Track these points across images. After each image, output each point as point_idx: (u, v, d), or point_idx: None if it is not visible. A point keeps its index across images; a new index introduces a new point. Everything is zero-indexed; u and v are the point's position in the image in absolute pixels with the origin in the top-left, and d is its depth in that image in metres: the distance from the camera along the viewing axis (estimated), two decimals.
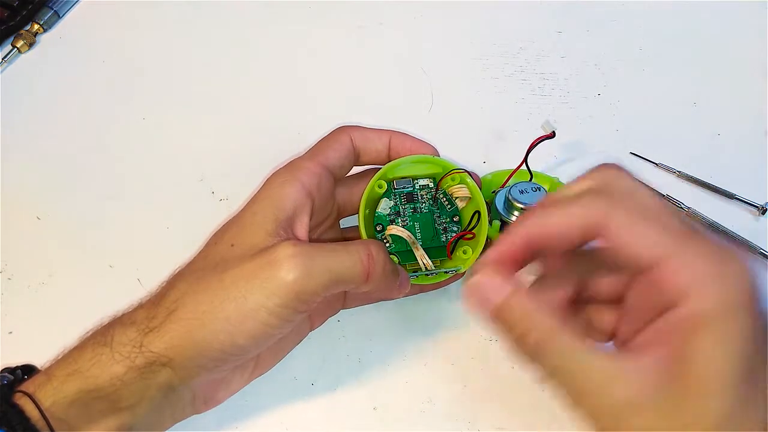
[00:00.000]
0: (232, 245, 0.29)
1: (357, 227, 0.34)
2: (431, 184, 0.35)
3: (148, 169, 0.44)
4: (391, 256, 0.35)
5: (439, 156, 0.35)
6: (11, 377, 0.28)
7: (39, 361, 0.33)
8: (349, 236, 0.37)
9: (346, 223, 0.37)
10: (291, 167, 0.31)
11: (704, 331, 0.20)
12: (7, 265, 0.39)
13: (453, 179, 0.35)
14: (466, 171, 0.35)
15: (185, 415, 0.30)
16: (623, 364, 0.21)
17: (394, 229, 0.34)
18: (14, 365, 0.30)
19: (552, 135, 0.36)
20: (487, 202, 0.36)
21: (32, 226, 0.41)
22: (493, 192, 0.40)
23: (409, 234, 0.34)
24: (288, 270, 0.26)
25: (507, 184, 0.40)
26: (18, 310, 0.38)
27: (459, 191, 0.35)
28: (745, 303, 0.20)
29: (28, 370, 0.30)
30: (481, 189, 0.35)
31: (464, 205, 0.36)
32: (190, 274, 0.29)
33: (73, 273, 0.39)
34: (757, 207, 0.43)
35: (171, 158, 0.44)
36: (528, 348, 0.22)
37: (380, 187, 0.34)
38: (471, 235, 0.35)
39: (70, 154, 0.44)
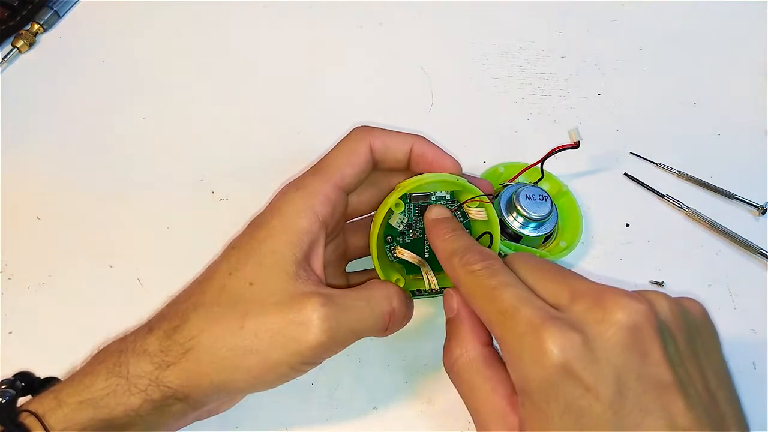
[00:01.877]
0: (251, 284, 0.28)
1: (358, 221, 0.34)
2: (448, 196, 0.34)
3: (148, 169, 0.44)
4: (397, 265, 0.35)
5: (461, 170, 0.33)
6: (13, 392, 0.28)
7: (39, 361, 0.33)
8: (351, 242, 0.36)
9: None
10: (305, 191, 0.30)
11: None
12: (7, 265, 0.39)
13: (473, 201, 0.34)
14: (490, 199, 0.33)
15: (188, 423, 0.30)
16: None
17: (405, 254, 0.34)
18: (11, 375, 0.30)
19: (576, 145, 0.36)
20: (493, 196, 0.35)
21: (32, 226, 0.41)
22: (502, 185, 0.40)
23: (419, 258, 0.34)
24: (316, 334, 0.26)
25: (516, 180, 0.40)
26: (18, 310, 0.38)
27: (477, 214, 0.34)
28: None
29: (25, 378, 0.30)
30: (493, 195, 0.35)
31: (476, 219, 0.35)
32: (206, 310, 0.28)
33: (73, 273, 0.39)
34: (757, 207, 0.43)
35: (171, 158, 0.44)
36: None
37: (397, 206, 0.32)
38: None
39: (70, 154, 0.44)
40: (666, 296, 0.26)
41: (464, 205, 0.34)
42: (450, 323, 0.31)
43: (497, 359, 0.28)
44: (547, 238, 0.40)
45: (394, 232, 0.34)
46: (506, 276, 0.27)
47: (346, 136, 0.32)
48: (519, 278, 0.27)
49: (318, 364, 0.28)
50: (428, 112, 0.48)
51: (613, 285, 0.41)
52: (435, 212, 0.33)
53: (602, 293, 0.25)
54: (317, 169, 0.31)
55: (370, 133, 0.32)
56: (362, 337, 0.29)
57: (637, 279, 0.40)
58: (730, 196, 0.43)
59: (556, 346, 0.23)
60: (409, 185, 0.32)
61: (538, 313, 0.24)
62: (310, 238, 0.29)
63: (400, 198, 0.32)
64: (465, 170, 0.34)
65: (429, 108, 0.48)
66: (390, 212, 0.33)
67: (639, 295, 0.25)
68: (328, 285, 0.29)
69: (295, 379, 0.35)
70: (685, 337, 0.25)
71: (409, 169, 0.33)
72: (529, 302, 0.25)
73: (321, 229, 0.29)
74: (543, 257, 0.38)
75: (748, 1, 0.56)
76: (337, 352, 0.28)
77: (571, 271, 0.28)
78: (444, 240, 0.31)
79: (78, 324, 0.37)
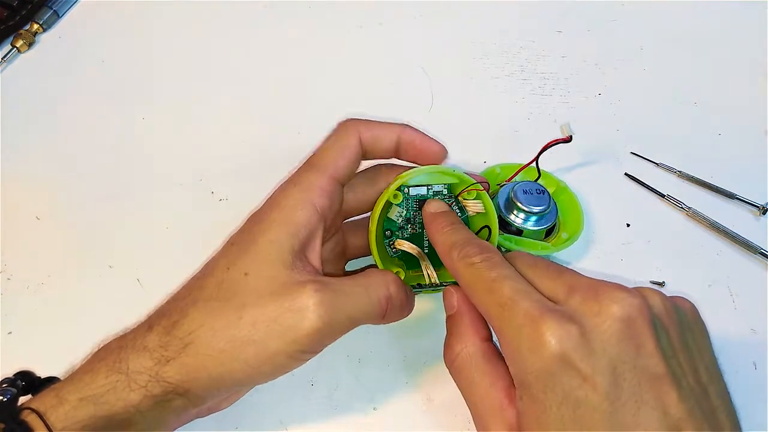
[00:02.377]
0: (246, 274, 0.28)
1: (357, 221, 0.34)
2: (446, 191, 0.34)
3: (148, 169, 0.44)
4: (396, 260, 0.35)
5: (447, 154, 0.34)
6: (14, 390, 0.28)
7: (39, 361, 0.33)
8: (350, 241, 0.36)
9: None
10: (302, 185, 0.30)
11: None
12: (7, 265, 0.39)
13: (469, 193, 0.34)
14: (483, 185, 0.34)
15: (189, 420, 0.30)
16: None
17: (405, 245, 0.34)
18: (11, 374, 0.30)
19: (569, 139, 0.36)
20: (490, 195, 0.35)
21: (32, 226, 0.41)
22: (498, 185, 0.40)
23: (419, 250, 0.34)
24: (312, 321, 0.26)
25: (513, 180, 0.40)
26: (18, 310, 0.38)
27: (474, 206, 0.34)
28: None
29: (26, 377, 0.30)
30: (491, 196, 0.35)
31: (474, 214, 0.35)
32: (204, 304, 0.28)
33: (73, 273, 0.39)
34: (757, 207, 0.43)
35: (171, 158, 0.44)
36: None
37: (395, 197, 0.33)
38: None
39: (69, 154, 0.44)
40: (659, 292, 0.27)
41: (460, 197, 0.34)
42: (450, 320, 0.31)
43: (496, 354, 0.29)
44: (549, 231, 0.40)
45: (393, 226, 0.34)
46: (505, 269, 0.28)
47: (334, 129, 0.32)
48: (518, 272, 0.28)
49: (317, 352, 0.28)
50: (428, 112, 0.48)
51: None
52: (434, 206, 0.33)
53: (598, 287, 0.26)
54: (311, 163, 0.31)
55: (359, 124, 0.32)
56: (360, 324, 0.29)
57: (638, 279, 0.40)
58: (730, 196, 0.43)
59: (553, 337, 0.24)
60: (405, 176, 0.32)
61: (536, 306, 0.25)
62: (308, 230, 0.29)
63: (398, 189, 0.32)
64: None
65: (429, 108, 0.48)
66: (389, 206, 0.33)
67: (633, 290, 0.26)
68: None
69: (295, 380, 0.35)
70: (677, 330, 0.26)
71: (397, 157, 0.33)
72: (528, 295, 0.26)
73: (319, 221, 0.30)
74: (541, 254, 0.39)
75: (748, 1, 0.56)
76: (335, 339, 0.28)
77: (567, 267, 0.28)
78: (443, 233, 0.31)
79: (77, 324, 0.37)
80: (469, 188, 0.33)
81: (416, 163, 0.34)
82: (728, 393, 0.26)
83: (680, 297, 0.28)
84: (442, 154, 0.33)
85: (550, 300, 0.26)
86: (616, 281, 0.39)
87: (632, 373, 0.23)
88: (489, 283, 0.27)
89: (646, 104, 0.49)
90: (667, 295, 0.27)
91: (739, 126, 0.48)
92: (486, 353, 0.29)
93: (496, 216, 0.34)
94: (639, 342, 0.24)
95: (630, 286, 0.39)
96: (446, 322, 0.31)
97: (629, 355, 0.24)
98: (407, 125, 0.33)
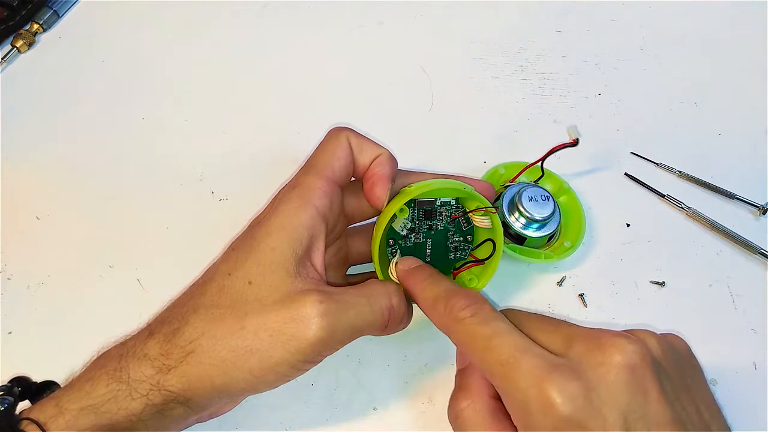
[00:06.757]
0: (250, 282, 0.28)
1: (360, 227, 0.34)
2: (453, 201, 0.34)
3: (148, 169, 0.44)
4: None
5: (381, 208, 0.32)
6: (11, 399, 0.28)
7: (39, 361, 0.33)
8: (353, 247, 0.36)
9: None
10: (301, 189, 0.30)
11: None
12: (7, 265, 0.39)
13: (478, 209, 0.34)
14: (495, 209, 0.33)
15: (189, 425, 0.30)
16: None
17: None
18: (6, 380, 0.30)
19: (575, 143, 0.36)
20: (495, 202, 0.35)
21: (32, 226, 0.41)
22: (503, 186, 0.40)
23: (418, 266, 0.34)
24: (315, 331, 0.26)
25: (517, 180, 0.40)
26: (17, 310, 0.38)
27: (481, 222, 0.34)
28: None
29: (21, 383, 0.30)
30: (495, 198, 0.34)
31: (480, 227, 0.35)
32: (206, 311, 0.28)
33: (73, 273, 0.39)
34: (757, 207, 0.43)
35: (171, 158, 0.44)
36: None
37: (402, 211, 0.32)
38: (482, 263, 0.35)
39: (69, 154, 0.44)
40: (653, 334, 0.27)
41: (464, 206, 0.34)
42: (460, 374, 0.30)
43: (503, 411, 0.28)
44: (551, 238, 0.40)
45: (397, 235, 0.34)
46: (499, 321, 0.27)
47: (326, 136, 0.33)
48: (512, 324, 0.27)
49: (318, 362, 0.28)
50: (428, 112, 0.48)
51: (615, 285, 0.41)
52: (406, 263, 0.33)
53: (597, 336, 0.26)
54: (308, 167, 0.32)
55: (347, 130, 0.32)
56: (362, 334, 0.29)
57: (638, 279, 0.40)
58: (730, 196, 0.43)
59: (561, 396, 0.23)
60: (415, 191, 0.32)
61: (540, 363, 0.25)
62: (310, 232, 0.29)
63: (405, 203, 0.32)
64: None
65: (429, 108, 0.48)
66: (394, 216, 0.33)
67: (631, 335, 0.26)
68: (329, 284, 0.29)
69: (295, 379, 0.35)
70: (676, 372, 0.26)
71: (357, 177, 0.33)
72: (529, 350, 0.25)
73: (321, 222, 0.30)
74: (545, 263, 0.38)
75: (748, 1, 0.56)
76: (337, 349, 0.28)
77: (558, 318, 0.28)
78: (423, 288, 0.31)
79: (77, 324, 0.37)
80: (483, 209, 0.33)
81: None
82: (729, 426, 0.27)
83: (672, 335, 0.28)
84: (379, 205, 0.32)
85: (550, 352, 0.26)
86: (616, 281, 0.40)
87: (642, 422, 0.23)
88: (486, 340, 0.26)
89: (646, 104, 0.49)
90: (659, 333, 0.27)
91: (739, 126, 0.48)
92: (494, 411, 0.28)
93: (502, 232, 0.34)
94: (644, 389, 0.24)
95: (630, 286, 0.40)
96: (456, 375, 0.31)
97: (638, 403, 0.24)
98: (389, 152, 0.32)
